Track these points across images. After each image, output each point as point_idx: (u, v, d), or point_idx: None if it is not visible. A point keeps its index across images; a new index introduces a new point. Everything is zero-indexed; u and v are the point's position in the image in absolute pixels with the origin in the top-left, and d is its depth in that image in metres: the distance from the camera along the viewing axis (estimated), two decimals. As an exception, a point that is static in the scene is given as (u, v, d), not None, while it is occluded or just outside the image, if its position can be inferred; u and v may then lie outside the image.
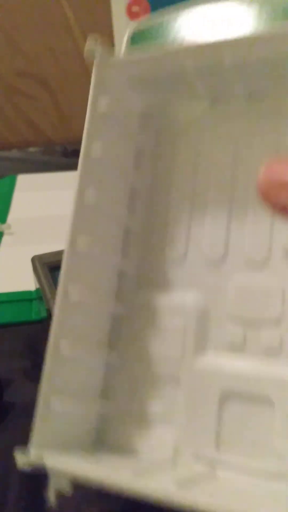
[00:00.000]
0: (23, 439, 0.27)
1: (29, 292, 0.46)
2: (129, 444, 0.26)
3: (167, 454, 0.25)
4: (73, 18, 0.59)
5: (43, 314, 0.41)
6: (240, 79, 0.27)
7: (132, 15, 0.85)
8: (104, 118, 0.27)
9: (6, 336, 0.39)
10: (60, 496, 0.23)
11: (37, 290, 0.43)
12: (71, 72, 0.65)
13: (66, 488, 0.22)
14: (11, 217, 0.61)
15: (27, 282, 0.44)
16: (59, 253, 0.39)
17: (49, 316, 0.34)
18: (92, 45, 0.26)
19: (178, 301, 0.28)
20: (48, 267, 0.41)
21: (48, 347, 0.25)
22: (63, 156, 0.71)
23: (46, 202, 0.65)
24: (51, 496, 0.23)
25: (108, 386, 0.28)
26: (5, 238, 0.56)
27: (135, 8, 0.82)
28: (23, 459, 0.23)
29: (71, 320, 0.26)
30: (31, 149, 0.64)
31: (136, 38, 0.30)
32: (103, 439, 0.27)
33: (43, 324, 0.39)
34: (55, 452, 0.24)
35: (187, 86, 0.28)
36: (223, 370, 0.26)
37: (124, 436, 0.27)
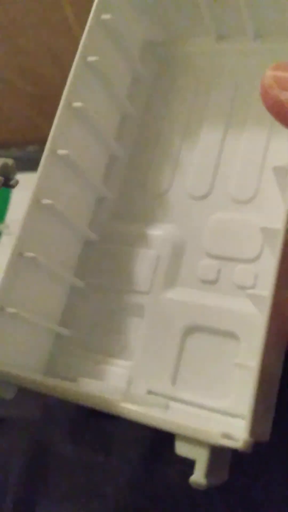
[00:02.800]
0: (22, 440, 0.27)
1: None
2: (81, 376, 0.24)
3: (120, 387, 0.24)
4: (73, 18, 0.57)
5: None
6: (250, 15, 0.26)
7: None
8: (104, 32, 0.26)
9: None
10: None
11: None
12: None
13: (9, 395, 0.21)
14: (10, 217, 0.60)
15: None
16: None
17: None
18: None
19: (154, 233, 0.26)
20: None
21: (13, 246, 0.23)
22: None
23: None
24: None
25: (68, 313, 0.26)
26: (3, 238, 0.56)
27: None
28: None
29: (41, 226, 0.24)
30: (30, 148, 0.62)
31: None
32: (54, 370, 0.26)
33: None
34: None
35: (195, 17, 0.27)
36: (190, 303, 0.24)
37: (77, 368, 0.25)
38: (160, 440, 0.25)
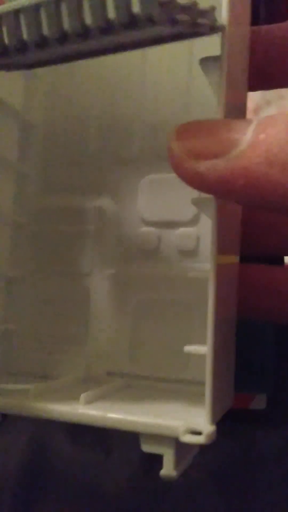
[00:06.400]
0: (22, 440, 0.26)
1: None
2: (36, 369, 0.24)
3: (78, 375, 0.23)
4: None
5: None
6: None
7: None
8: None
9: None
10: None
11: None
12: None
13: None
14: None
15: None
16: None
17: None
18: None
19: (86, 205, 0.25)
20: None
21: None
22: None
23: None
24: None
25: (10, 305, 0.25)
26: None
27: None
28: None
29: None
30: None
31: None
32: (5, 366, 0.25)
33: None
34: None
35: None
36: (137, 277, 0.23)
37: (30, 361, 0.24)
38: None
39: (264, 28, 0.21)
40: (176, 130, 0.16)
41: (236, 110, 0.18)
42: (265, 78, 0.22)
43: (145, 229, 0.24)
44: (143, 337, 0.23)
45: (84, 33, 0.16)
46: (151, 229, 0.24)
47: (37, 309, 0.25)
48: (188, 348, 0.18)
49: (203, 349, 0.17)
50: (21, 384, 0.21)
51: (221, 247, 0.17)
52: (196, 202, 0.19)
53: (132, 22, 0.16)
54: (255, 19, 0.23)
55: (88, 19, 0.16)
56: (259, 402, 0.26)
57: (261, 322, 0.26)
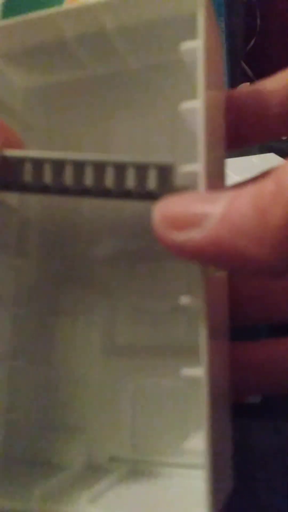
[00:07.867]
0: None
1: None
2: (39, 456, 0.25)
3: (81, 463, 0.24)
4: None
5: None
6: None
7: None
8: None
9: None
10: None
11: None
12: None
13: None
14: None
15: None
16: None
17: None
18: None
19: (80, 297, 0.26)
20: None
21: None
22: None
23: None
24: None
25: (13, 395, 0.26)
26: None
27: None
28: None
29: None
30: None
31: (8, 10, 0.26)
32: (9, 453, 0.25)
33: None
34: None
35: (69, 56, 0.25)
36: (134, 364, 0.25)
37: (32, 449, 0.25)
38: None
39: (235, 91, 0.23)
40: (159, 204, 0.18)
41: (216, 177, 0.20)
42: (237, 139, 0.23)
43: (137, 316, 0.25)
44: (143, 422, 0.24)
45: (103, 192, 0.19)
46: (145, 317, 0.25)
47: (37, 398, 0.26)
48: (186, 446, 0.19)
49: (201, 446, 0.18)
50: (24, 487, 0.21)
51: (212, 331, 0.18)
52: (185, 303, 0.20)
53: (147, 195, 0.19)
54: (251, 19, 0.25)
55: (109, 184, 0.19)
56: (254, 396, 0.26)
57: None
